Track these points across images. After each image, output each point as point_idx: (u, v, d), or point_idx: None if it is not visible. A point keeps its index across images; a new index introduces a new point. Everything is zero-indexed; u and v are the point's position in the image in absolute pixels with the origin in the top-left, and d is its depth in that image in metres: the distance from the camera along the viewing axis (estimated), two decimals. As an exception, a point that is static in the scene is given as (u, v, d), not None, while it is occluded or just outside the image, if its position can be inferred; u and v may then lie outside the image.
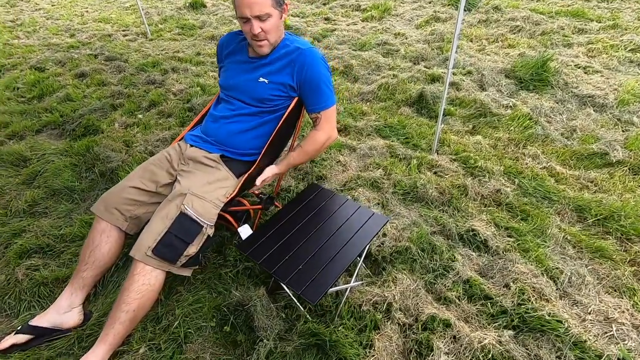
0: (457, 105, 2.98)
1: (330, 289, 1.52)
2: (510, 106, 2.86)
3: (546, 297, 1.49)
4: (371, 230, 1.50)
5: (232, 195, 1.61)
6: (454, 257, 1.70)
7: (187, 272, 1.55)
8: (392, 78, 3.34)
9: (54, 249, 1.96)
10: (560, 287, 1.57)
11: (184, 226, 1.46)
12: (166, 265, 1.45)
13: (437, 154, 2.43)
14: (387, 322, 1.44)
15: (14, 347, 1.50)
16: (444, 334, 1.38)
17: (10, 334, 1.53)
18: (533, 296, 1.48)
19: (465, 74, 3.39)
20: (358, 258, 1.66)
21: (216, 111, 1.74)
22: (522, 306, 1.46)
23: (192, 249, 1.48)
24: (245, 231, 1.59)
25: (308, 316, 1.44)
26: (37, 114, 3.24)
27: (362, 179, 2.19)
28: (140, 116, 3.10)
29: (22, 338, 1.51)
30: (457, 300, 1.51)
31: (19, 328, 1.54)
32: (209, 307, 1.60)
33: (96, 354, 1.39)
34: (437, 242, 1.76)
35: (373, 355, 1.30)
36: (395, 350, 1.36)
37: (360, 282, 1.61)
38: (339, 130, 2.76)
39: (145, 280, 1.43)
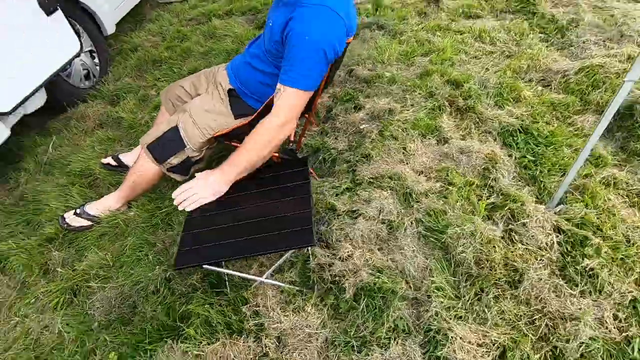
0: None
1: (237, 274, 1.37)
2: None
3: None
4: (282, 243, 1.18)
5: (220, 133, 1.55)
6: (381, 341, 1.16)
7: (175, 177, 1.71)
8: (620, 61, 1.95)
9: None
10: None
11: (173, 138, 1.56)
12: (155, 163, 1.64)
13: (561, 209, 1.45)
14: (246, 335, 1.24)
15: (107, 165, 2.15)
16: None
17: (110, 156, 2.18)
18: None
19: None
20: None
21: (253, 41, 1.57)
22: None
23: (174, 160, 1.59)
24: None
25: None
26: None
27: (400, 183, 1.61)
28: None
29: (113, 162, 2.14)
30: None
31: (112, 155, 2.17)
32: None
33: (111, 197, 1.85)
34: (385, 313, 1.22)
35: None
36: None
37: (277, 284, 1.37)
38: (459, 110, 1.99)
39: (142, 163, 1.67)
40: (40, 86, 2.25)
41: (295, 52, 1.14)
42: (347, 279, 1.30)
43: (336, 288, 1.31)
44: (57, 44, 2.36)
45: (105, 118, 2.55)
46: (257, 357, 1.20)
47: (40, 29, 2.23)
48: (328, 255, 1.39)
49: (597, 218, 1.37)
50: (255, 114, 1.44)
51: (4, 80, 2.01)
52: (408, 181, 1.61)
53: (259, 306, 1.30)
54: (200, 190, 1.31)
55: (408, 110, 1.99)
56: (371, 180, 1.67)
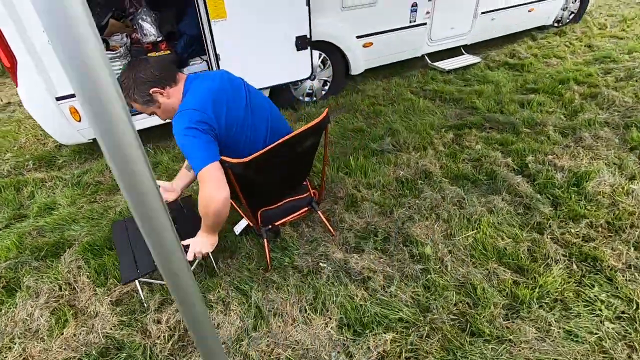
0: None
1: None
2: None
3: None
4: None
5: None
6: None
7: None
8: None
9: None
10: None
11: None
12: None
13: None
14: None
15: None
16: None
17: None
18: None
19: None
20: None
21: None
22: None
23: None
24: (240, 226, 1.92)
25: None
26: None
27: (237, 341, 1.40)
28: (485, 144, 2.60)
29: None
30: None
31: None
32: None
33: None
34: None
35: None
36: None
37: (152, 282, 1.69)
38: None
39: None
40: (266, 88, 3.28)
41: (181, 149, 1.38)
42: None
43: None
44: (294, 69, 3.31)
45: (285, 129, 3.33)
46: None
47: (289, 57, 3.23)
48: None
49: None
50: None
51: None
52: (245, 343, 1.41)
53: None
54: (199, 246, 1.56)
55: (388, 298, 1.55)
56: (245, 306, 1.56)
